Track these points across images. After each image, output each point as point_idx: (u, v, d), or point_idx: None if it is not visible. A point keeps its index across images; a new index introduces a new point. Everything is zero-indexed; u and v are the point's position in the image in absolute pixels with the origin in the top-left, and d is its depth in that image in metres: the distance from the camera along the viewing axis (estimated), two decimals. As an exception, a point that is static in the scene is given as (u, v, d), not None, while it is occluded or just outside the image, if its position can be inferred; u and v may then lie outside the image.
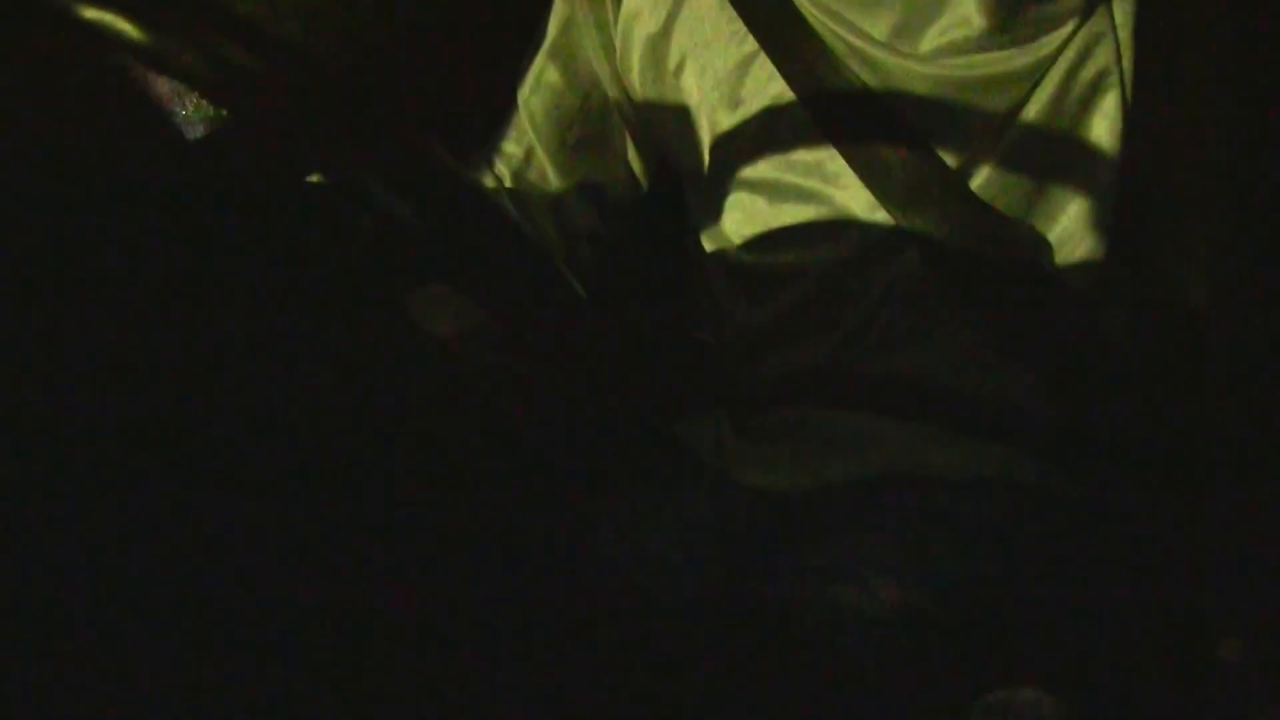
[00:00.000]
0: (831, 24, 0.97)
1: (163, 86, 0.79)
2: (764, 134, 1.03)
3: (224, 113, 0.76)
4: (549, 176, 1.16)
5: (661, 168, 1.21)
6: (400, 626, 0.44)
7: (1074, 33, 0.94)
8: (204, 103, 0.75)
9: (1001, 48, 0.93)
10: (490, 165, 1.17)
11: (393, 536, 0.43)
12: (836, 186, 1.00)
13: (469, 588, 0.46)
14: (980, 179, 0.98)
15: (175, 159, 0.41)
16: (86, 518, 0.38)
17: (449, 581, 0.45)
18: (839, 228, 1.02)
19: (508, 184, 1.16)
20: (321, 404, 0.43)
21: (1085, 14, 0.93)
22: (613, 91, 1.15)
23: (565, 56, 1.15)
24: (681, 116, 1.09)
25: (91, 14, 0.63)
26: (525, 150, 1.16)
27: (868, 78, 0.96)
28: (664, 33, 1.08)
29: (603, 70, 1.15)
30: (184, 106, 0.92)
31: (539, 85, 1.15)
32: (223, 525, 0.39)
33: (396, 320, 0.79)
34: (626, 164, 1.19)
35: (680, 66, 1.08)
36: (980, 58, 0.94)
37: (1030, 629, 0.89)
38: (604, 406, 0.75)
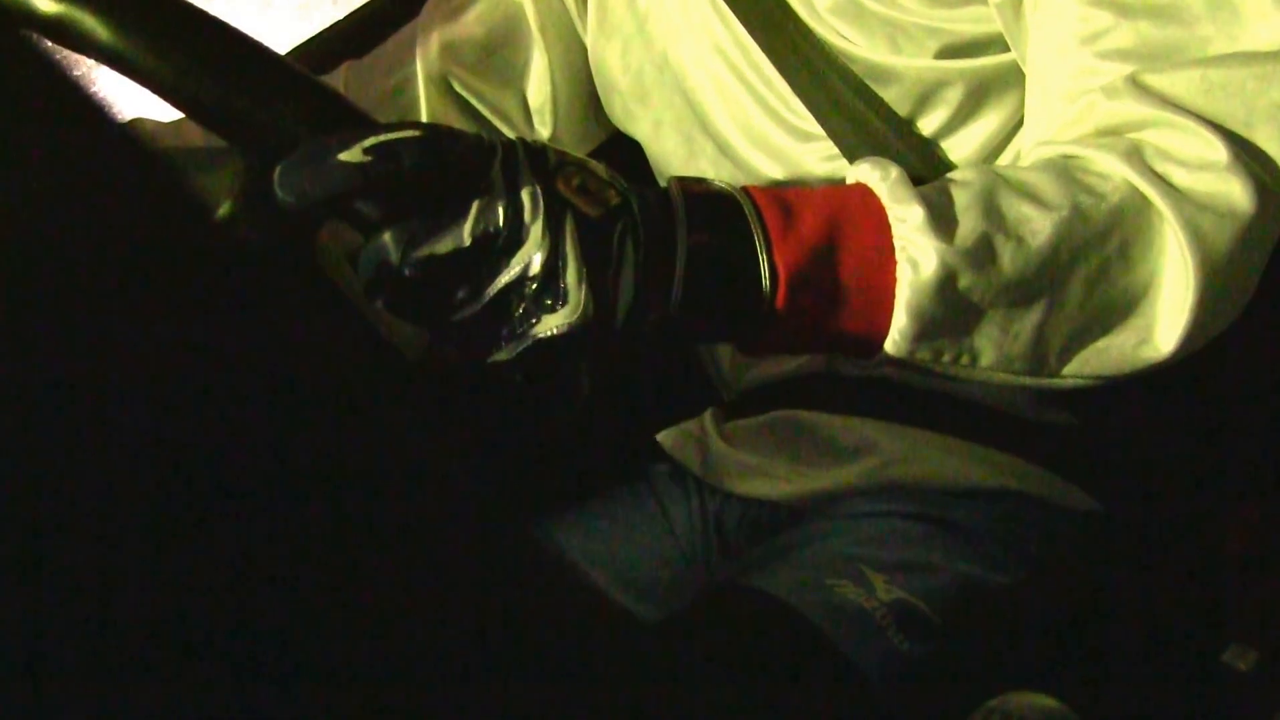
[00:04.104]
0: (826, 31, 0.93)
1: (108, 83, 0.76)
2: (760, 133, 0.99)
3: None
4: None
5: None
6: (367, 650, 0.41)
7: None
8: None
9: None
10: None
11: (358, 555, 0.41)
12: None
13: (438, 610, 0.43)
14: None
15: (129, 163, 0.38)
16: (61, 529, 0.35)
17: (418, 605, 0.42)
18: None
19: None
20: (288, 410, 0.40)
21: None
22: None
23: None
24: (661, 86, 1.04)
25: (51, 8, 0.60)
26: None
27: (870, 77, 0.92)
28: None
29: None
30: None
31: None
32: (187, 537, 0.38)
33: (364, 329, 0.75)
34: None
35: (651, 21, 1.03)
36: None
37: (1036, 635, 0.86)
38: (583, 415, 0.72)
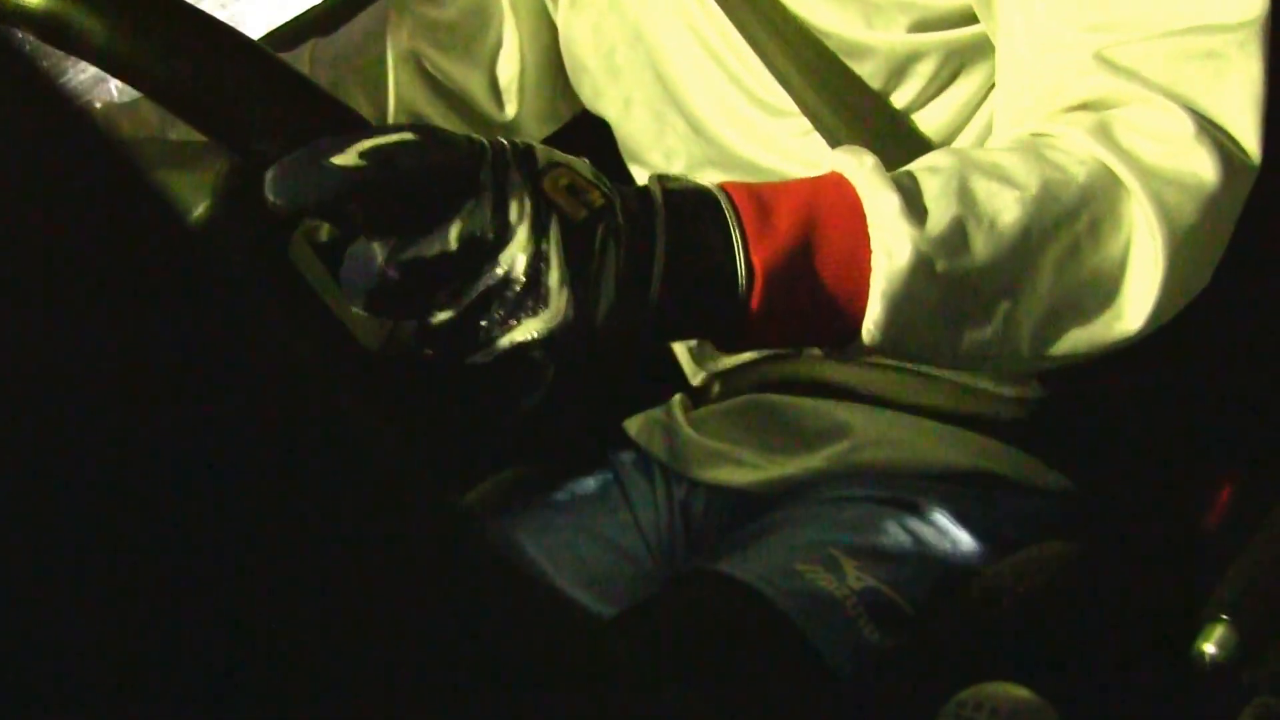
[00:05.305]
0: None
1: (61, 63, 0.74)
2: (734, 110, 0.98)
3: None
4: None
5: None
6: (312, 652, 0.40)
7: None
8: None
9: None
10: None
11: (307, 550, 0.39)
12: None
13: (386, 613, 0.41)
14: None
15: (103, 157, 0.37)
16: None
17: (365, 606, 0.41)
18: None
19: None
20: (244, 401, 0.38)
21: None
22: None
23: None
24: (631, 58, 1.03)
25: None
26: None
27: (844, 53, 0.91)
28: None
29: None
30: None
31: None
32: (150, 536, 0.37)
33: (322, 318, 0.74)
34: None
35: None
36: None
37: (1009, 623, 0.86)
38: (546, 402, 0.71)
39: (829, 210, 0.67)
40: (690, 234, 0.64)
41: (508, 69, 1.09)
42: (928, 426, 0.96)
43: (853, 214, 0.67)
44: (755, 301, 0.65)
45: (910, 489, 0.94)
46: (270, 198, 0.58)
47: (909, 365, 0.97)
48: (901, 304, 0.67)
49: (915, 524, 0.91)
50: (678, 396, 1.10)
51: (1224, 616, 0.79)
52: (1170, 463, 0.99)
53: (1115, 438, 0.98)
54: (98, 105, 0.95)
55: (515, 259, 0.60)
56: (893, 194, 0.67)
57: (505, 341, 0.61)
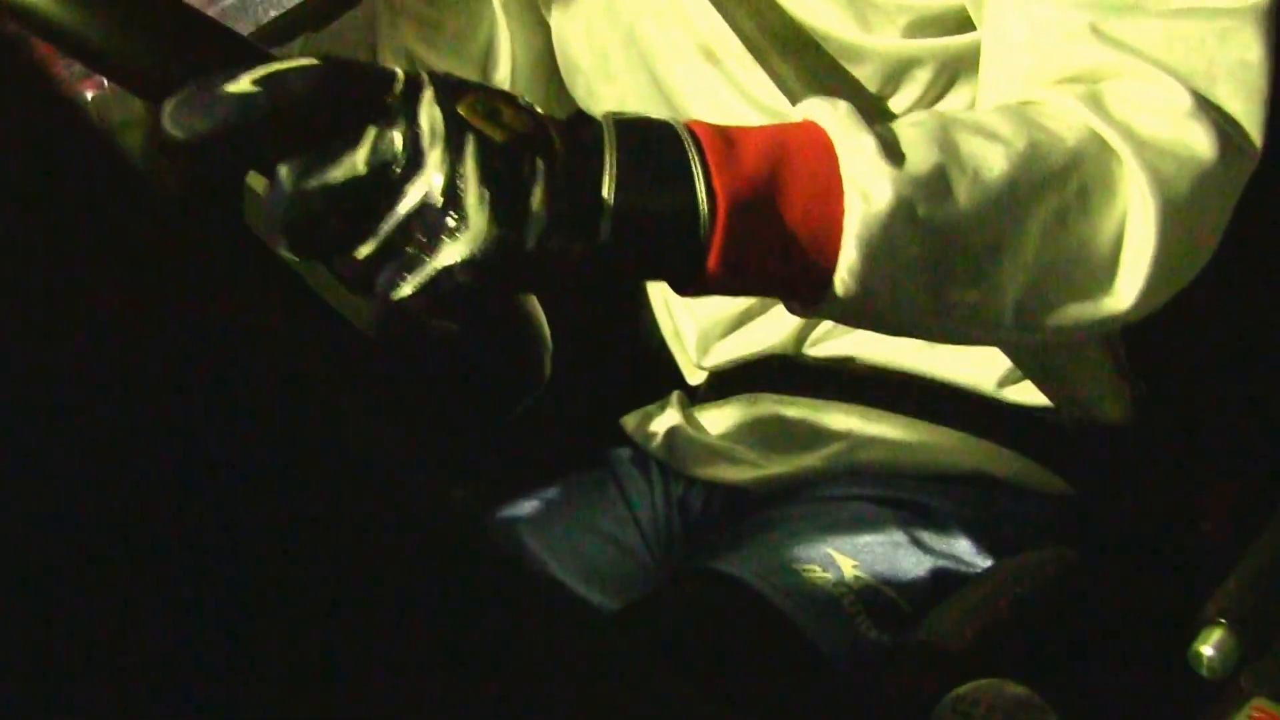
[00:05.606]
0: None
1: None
2: (730, 112, 0.96)
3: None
4: None
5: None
6: (314, 646, 0.40)
7: None
8: None
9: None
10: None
11: (304, 546, 0.39)
12: None
13: (386, 606, 0.41)
14: None
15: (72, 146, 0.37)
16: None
17: (365, 600, 0.41)
18: None
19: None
20: (234, 394, 0.38)
21: None
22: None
23: None
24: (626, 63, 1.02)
25: None
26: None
27: (841, 56, 0.90)
28: None
29: None
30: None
31: None
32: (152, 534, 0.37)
33: (320, 311, 0.74)
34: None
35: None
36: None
37: (1006, 624, 0.86)
38: (547, 399, 0.70)
39: (800, 149, 0.63)
40: (645, 162, 0.60)
41: (499, 68, 1.08)
42: (926, 429, 0.96)
43: (825, 155, 0.63)
44: (717, 234, 0.61)
45: (909, 489, 0.94)
46: (169, 131, 0.56)
47: (909, 368, 0.97)
48: (879, 251, 0.63)
49: (913, 523, 0.91)
50: (675, 394, 1.10)
51: (1221, 620, 0.79)
52: (1169, 467, 0.99)
53: (1114, 442, 0.97)
54: (89, 95, 0.94)
55: (432, 180, 0.57)
56: (869, 136, 0.64)
57: (430, 268, 0.58)
